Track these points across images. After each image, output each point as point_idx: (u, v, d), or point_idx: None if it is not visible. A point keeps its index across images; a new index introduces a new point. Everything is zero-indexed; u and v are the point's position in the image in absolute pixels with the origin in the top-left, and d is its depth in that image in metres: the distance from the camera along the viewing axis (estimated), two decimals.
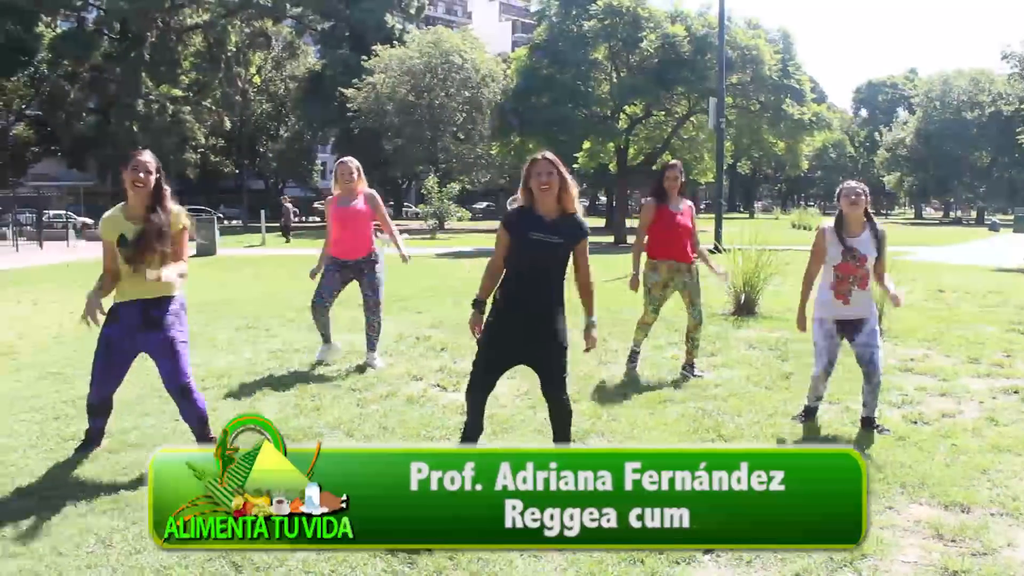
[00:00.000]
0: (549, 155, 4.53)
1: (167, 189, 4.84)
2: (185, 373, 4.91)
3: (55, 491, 4.49)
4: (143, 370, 5.98)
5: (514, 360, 4.74)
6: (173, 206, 4.86)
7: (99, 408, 5.08)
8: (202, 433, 5.01)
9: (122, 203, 4.88)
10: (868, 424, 5.68)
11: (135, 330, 4.87)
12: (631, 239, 12.89)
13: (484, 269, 4.70)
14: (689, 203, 7.37)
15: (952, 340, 8.84)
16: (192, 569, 3.59)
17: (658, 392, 6.67)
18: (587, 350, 4.80)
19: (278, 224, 35.49)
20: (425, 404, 6.32)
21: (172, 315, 4.92)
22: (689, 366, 7.40)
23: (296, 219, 54.78)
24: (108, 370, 4.96)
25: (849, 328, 5.63)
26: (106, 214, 4.90)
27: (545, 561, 3.66)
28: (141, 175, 4.70)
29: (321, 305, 7.60)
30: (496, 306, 4.64)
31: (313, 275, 7.76)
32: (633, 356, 7.51)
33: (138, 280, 4.78)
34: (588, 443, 5.36)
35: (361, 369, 7.51)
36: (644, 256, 7.36)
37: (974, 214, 73.15)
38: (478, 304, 4.65)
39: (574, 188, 4.58)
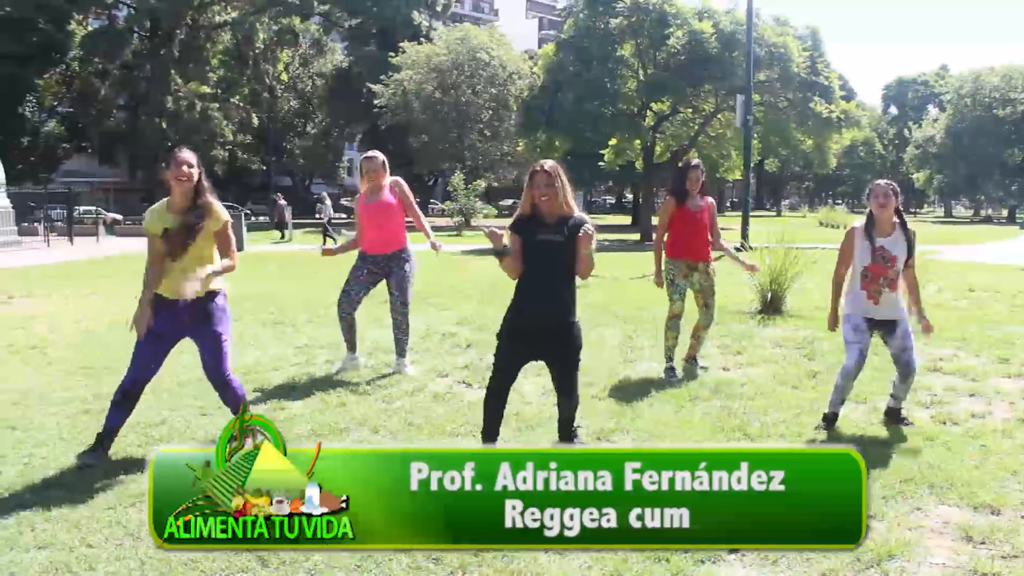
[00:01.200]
0: (548, 166, 4.68)
1: (207, 184, 5.04)
2: (226, 367, 5.13)
3: (84, 484, 4.54)
4: (169, 364, 6.04)
5: (531, 356, 4.96)
6: (214, 202, 5.04)
7: (129, 395, 5.09)
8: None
9: (165, 199, 5.04)
10: (895, 415, 5.72)
11: (187, 319, 5.02)
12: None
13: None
14: (710, 200, 7.40)
15: (982, 340, 8.74)
16: (219, 562, 3.62)
17: (683, 390, 6.64)
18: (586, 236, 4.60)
19: (273, 222, 35.59)
20: (451, 401, 6.34)
21: (220, 310, 5.12)
22: (692, 359, 7.53)
23: (320, 216, 54.94)
24: (150, 357, 5.09)
25: (880, 328, 5.63)
26: (151, 209, 5.06)
27: (570, 558, 3.66)
28: (184, 169, 4.90)
29: (348, 301, 7.37)
30: (512, 306, 4.79)
31: (324, 252, 7.70)
32: (670, 371, 7.23)
33: (189, 279, 4.93)
34: (613, 441, 5.36)
35: (388, 365, 7.52)
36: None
37: (1005, 213, 72.28)
38: (504, 248, 4.65)
39: (570, 193, 4.72)
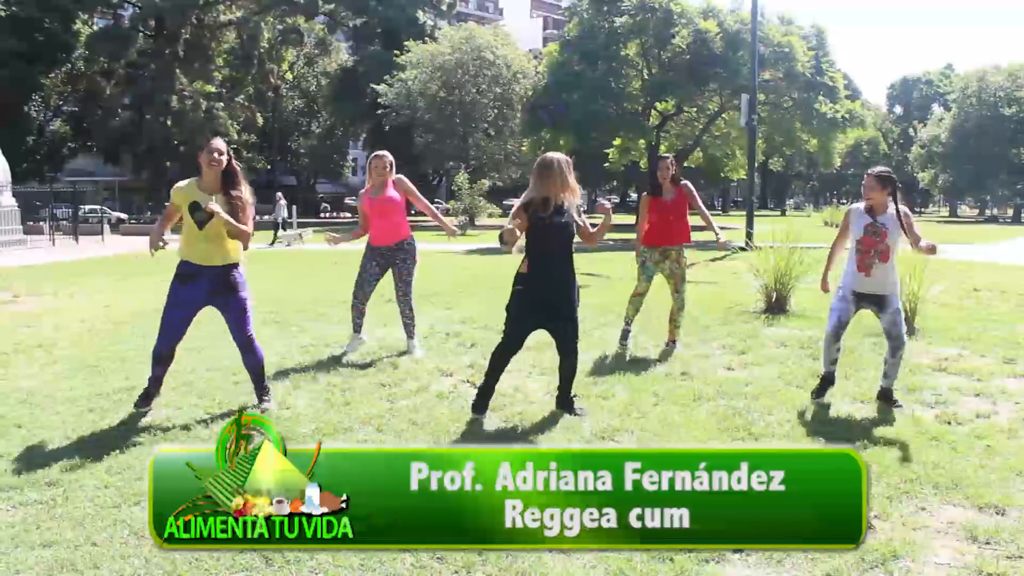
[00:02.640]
0: (563, 159, 5.63)
1: (239, 169, 5.82)
2: (250, 327, 5.95)
3: (89, 482, 4.55)
4: (173, 365, 6.07)
5: (538, 324, 5.79)
6: (246, 186, 5.82)
7: (164, 357, 5.89)
8: (258, 381, 6.08)
9: (194, 178, 5.80)
10: (886, 396, 6.13)
11: (212, 289, 5.75)
12: None
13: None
14: (684, 183, 8.15)
15: (987, 340, 8.72)
16: (223, 561, 3.62)
17: (688, 390, 6.63)
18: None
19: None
20: (455, 400, 6.33)
21: (241, 278, 5.87)
22: (671, 343, 8.26)
23: (326, 215, 54.96)
24: (177, 325, 5.83)
25: (873, 304, 6.10)
26: (178, 184, 5.83)
27: (574, 557, 3.66)
28: (215, 155, 5.65)
29: (362, 293, 8.00)
30: (524, 278, 5.63)
31: (332, 241, 8.16)
32: (625, 335, 8.24)
33: (214, 248, 5.70)
34: (618, 440, 5.35)
35: (392, 365, 7.54)
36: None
37: (1010, 212, 72.09)
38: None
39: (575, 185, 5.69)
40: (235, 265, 5.83)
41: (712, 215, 8.64)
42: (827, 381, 6.33)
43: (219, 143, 5.74)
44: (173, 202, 5.76)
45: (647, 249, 8.11)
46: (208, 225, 5.62)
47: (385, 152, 8.08)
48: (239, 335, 5.91)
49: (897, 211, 5.92)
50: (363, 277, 8.00)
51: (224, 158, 5.68)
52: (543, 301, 5.64)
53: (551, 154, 5.72)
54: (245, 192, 5.78)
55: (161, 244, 5.78)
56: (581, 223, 5.74)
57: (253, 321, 6.01)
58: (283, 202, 32.25)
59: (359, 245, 8.23)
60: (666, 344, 8.28)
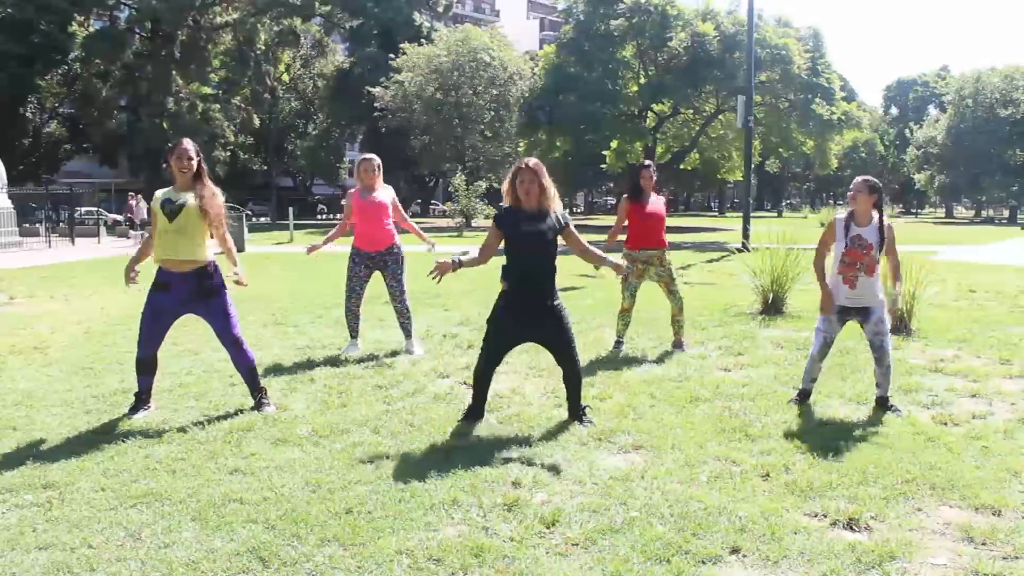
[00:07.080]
0: (532, 164, 5.45)
1: (205, 168, 5.79)
2: (236, 327, 5.90)
3: (85, 484, 4.54)
4: (171, 367, 6.06)
5: (522, 339, 5.78)
6: (212, 186, 5.78)
7: (146, 364, 5.87)
8: (252, 382, 6.04)
9: (171, 186, 5.79)
10: (883, 403, 6.11)
11: (188, 297, 5.74)
12: None
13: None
14: (661, 197, 8.42)
15: (983, 341, 8.73)
16: (220, 563, 3.61)
17: (684, 391, 6.63)
18: (620, 274, 5.95)
19: (124, 222, 35.71)
20: (452, 401, 6.33)
21: (218, 282, 5.82)
22: (678, 344, 8.39)
23: (322, 217, 55.03)
24: (155, 331, 5.83)
25: (858, 315, 6.07)
26: (157, 192, 5.84)
27: (571, 559, 3.66)
28: (185, 161, 5.65)
29: (355, 297, 8.14)
30: (504, 292, 5.57)
31: (309, 251, 8.23)
32: (618, 344, 8.36)
33: (182, 241, 5.65)
34: (614, 442, 5.35)
35: (389, 366, 7.54)
36: (623, 248, 8.38)
37: (1006, 213, 72.21)
38: (458, 263, 5.51)
39: (552, 189, 5.50)
40: (207, 268, 5.78)
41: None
42: (804, 395, 6.34)
43: (188, 145, 5.72)
44: (153, 209, 5.79)
45: (631, 255, 8.20)
46: (178, 218, 5.63)
47: (373, 155, 8.24)
48: (225, 337, 5.89)
49: (881, 224, 5.91)
50: (352, 282, 8.14)
51: (194, 163, 5.68)
52: (523, 316, 5.53)
53: (533, 159, 5.57)
54: (216, 195, 5.76)
55: (133, 275, 5.83)
56: (565, 227, 5.56)
57: (239, 322, 6.01)
58: (143, 204, 32.30)
59: (340, 248, 8.27)
60: (672, 346, 8.38)
